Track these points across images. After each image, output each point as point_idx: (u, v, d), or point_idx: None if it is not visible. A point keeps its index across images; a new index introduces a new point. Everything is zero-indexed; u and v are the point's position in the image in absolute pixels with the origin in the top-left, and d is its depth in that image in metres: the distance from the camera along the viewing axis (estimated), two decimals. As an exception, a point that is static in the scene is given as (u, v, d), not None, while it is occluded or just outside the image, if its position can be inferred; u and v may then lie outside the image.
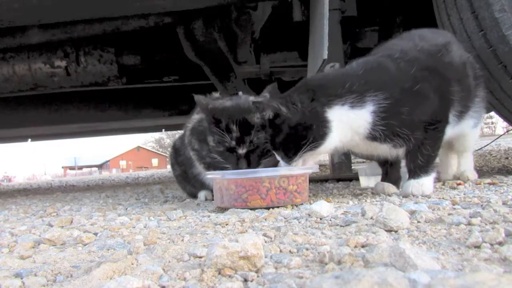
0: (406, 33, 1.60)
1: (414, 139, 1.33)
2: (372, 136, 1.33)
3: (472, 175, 1.69)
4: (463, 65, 1.47)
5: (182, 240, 0.99)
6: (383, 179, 1.59)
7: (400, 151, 1.39)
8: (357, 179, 2.00)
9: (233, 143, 1.52)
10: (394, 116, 1.30)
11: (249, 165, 1.52)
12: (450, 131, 1.44)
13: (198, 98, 1.61)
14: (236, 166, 1.53)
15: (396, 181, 1.55)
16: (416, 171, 1.38)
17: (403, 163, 1.51)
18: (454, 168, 1.75)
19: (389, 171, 1.58)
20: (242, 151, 1.52)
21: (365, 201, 1.38)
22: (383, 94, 1.29)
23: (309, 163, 1.40)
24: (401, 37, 1.58)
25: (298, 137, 1.31)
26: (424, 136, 1.34)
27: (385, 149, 1.39)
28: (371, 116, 1.30)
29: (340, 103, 1.30)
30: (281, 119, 1.32)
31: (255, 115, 1.51)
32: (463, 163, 1.72)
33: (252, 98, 1.57)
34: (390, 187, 1.50)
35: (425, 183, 1.36)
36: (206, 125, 1.62)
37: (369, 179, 1.89)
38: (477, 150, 2.30)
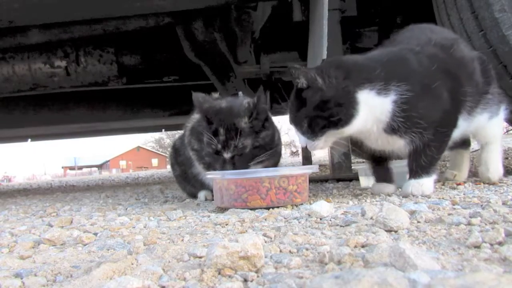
0: (415, 26, 1.59)
1: (426, 137, 1.32)
2: (391, 128, 1.31)
3: (493, 173, 1.53)
4: (471, 61, 1.48)
5: (182, 240, 0.99)
6: (377, 180, 1.57)
7: (406, 149, 1.39)
8: (357, 179, 2.00)
9: (219, 146, 1.53)
10: (413, 109, 1.29)
11: (235, 169, 1.52)
12: (459, 128, 1.43)
13: (195, 96, 1.62)
14: (222, 169, 1.53)
15: (389, 179, 1.54)
16: (417, 171, 1.37)
17: (404, 163, 1.50)
18: (467, 169, 1.73)
19: (380, 170, 1.56)
20: (227, 155, 1.53)
21: (365, 201, 1.38)
22: (406, 86, 1.28)
23: (327, 145, 1.36)
24: (411, 30, 1.57)
25: (326, 112, 1.27)
26: (431, 137, 1.33)
27: (400, 145, 1.37)
28: (392, 105, 1.29)
29: (369, 87, 1.28)
30: (311, 91, 1.28)
31: (243, 119, 1.52)
32: (483, 158, 1.57)
33: (247, 100, 1.58)
34: (387, 187, 1.50)
35: (426, 183, 1.36)
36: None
37: (369, 179, 1.89)
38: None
